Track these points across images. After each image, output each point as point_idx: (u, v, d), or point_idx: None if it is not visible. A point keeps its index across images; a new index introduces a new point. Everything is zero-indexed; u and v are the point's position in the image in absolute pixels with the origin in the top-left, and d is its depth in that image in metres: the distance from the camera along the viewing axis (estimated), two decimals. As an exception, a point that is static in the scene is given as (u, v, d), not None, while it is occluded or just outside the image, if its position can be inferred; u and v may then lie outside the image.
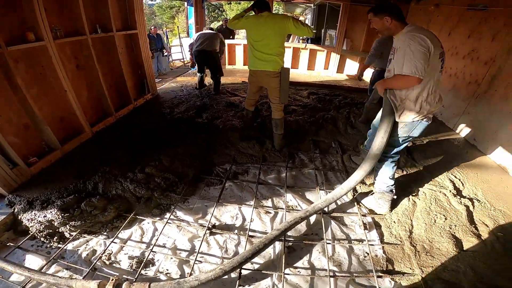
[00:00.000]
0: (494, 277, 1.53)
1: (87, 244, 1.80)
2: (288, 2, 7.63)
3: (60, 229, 1.82)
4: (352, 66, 5.90)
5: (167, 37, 9.00)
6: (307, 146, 2.94)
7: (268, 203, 2.16)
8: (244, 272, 1.59)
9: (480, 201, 2.14)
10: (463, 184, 2.36)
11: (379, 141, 1.79)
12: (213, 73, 4.32)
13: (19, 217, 1.86)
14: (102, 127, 3.10)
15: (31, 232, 1.81)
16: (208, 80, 4.78)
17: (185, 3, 6.14)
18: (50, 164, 2.41)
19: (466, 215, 1.98)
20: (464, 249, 1.72)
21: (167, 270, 1.63)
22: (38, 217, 1.81)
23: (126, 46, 3.64)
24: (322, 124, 3.28)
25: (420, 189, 2.27)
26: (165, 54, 7.68)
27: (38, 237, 1.80)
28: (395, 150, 1.92)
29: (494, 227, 1.87)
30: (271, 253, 1.75)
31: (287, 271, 1.62)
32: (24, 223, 1.84)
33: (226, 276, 1.55)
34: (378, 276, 1.57)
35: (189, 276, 1.48)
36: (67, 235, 1.83)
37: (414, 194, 2.22)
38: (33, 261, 1.65)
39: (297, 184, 2.38)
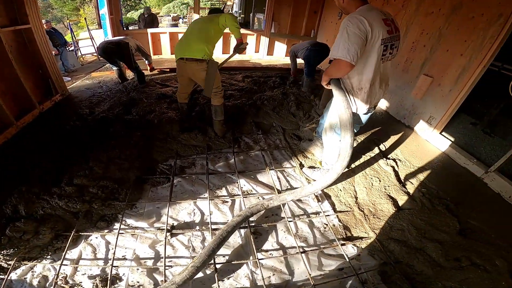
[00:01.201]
0: (433, 231, 1.70)
1: (33, 271, 1.51)
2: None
3: None
4: (281, 48, 6.09)
5: (71, 31, 7.72)
6: (249, 129, 2.95)
7: (223, 192, 2.11)
8: (218, 266, 1.55)
9: (401, 160, 2.44)
10: (385, 147, 2.67)
11: (347, 140, 1.67)
12: (129, 65, 3.95)
13: None
14: (3, 141, 2.48)
15: None
16: (130, 73, 4.30)
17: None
18: None
19: (394, 175, 2.22)
20: (401, 208, 1.92)
21: (138, 282, 1.48)
22: None
23: (17, 43, 2.94)
24: (260, 106, 3.32)
25: (355, 153, 2.47)
26: (70, 49, 6.59)
27: None
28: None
29: (417, 184, 2.15)
30: (239, 241, 1.73)
31: (259, 255, 1.62)
32: None
33: (202, 274, 1.50)
34: (342, 244, 1.70)
35: (164, 283, 1.36)
36: (4, 265, 1.51)
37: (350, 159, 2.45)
38: None
39: (248, 168, 2.37)
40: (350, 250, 1.71)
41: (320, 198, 2.08)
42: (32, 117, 2.93)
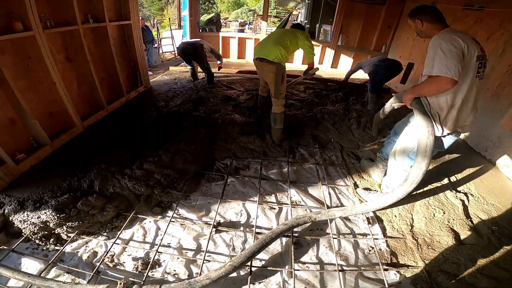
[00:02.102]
0: (493, 268, 1.57)
1: (86, 246, 1.70)
2: (281, -5, 7.54)
3: (56, 230, 1.71)
4: (346, 61, 5.90)
5: (157, 29, 8.74)
6: (306, 141, 2.92)
7: (272, 198, 2.13)
8: (253, 269, 1.57)
9: (473, 195, 2.19)
10: (457, 179, 2.41)
11: (422, 166, 1.61)
12: (201, 65, 4.29)
13: (10, 218, 1.73)
14: (93, 121, 2.96)
15: (25, 234, 1.69)
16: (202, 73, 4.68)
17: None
18: (40, 161, 2.28)
19: (462, 209, 2.02)
20: (463, 242, 1.76)
21: (175, 270, 1.57)
22: (31, 218, 1.68)
23: (119, 37, 3.48)
24: (320, 120, 3.26)
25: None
26: (155, 46, 7.46)
27: (33, 239, 1.69)
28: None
29: (488, 221, 1.93)
30: (279, 248, 1.73)
31: (296, 266, 1.60)
32: (16, 225, 1.71)
33: (235, 274, 1.53)
34: (385, 269, 1.60)
35: (198, 276, 1.43)
36: (64, 236, 1.72)
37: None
38: (30, 265, 1.54)
39: (300, 179, 2.35)
40: (391, 276, 1.59)
41: (371, 220, 1.96)
42: (119, 104, 3.43)
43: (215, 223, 1.83)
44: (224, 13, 21.37)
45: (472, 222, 1.92)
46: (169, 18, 11.32)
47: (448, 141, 1.81)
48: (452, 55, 1.36)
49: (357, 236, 1.85)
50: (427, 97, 1.62)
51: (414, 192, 2.18)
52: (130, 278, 1.49)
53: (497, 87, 2.72)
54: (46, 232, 1.70)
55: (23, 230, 1.70)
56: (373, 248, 1.75)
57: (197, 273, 1.54)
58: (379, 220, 1.99)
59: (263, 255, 1.66)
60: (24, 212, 1.73)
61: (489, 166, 2.60)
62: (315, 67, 2.85)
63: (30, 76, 2.29)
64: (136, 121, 2.99)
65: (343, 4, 5.25)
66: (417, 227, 1.91)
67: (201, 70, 4.51)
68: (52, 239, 1.69)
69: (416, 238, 1.82)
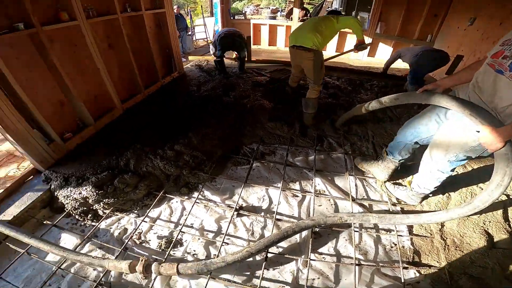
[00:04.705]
0: None
1: (119, 223, 1.84)
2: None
3: (94, 206, 1.87)
4: (385, 50, 5.53)
5: (190, 17, 8.91)
6: (335, 129, 2.80)
7: (296, 186, 2.12)
8: (269, 255, 1.60)
9: None
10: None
11: (494, 196, 1.30)
12: (242, 54, 4.27)
13: (56, 193, 1.91)
14: (132, 104, 3.16)
15: (67, 209, 1.86)
16: (227, 61, 4.66)
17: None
18: (84, 140, 2.50)
19: (502, 211, 1.84)
20: (495, 246, 1.64)
21: (194, 251, 1.65)
22: (74, 193, 1.85)
23: (154, 25, 3.62)
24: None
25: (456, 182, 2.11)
26: (189, 33, 7.64)
27: (73, 214, 1.86)
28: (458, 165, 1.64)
29: None
30: (297, 238, 1.73)
31: (312, 256, 1.60)
32: (60, 200, 1.89)
33: (251, 259, 1.57)
34: (404, 267, 1.55)
35: (216, 257, 1.49)
36: (100, 213, 1.88)
37: (449, 187, 2.06)
38: (68, 240, 1.72)
39: (326, 168, 2.30)
40: (410, 275, 1.54)
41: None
42: (155, 88, 3.61)
43: (237, 207, 1.88)
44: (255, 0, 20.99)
45: (510, 226, 1.76)
46: (201, 6, 11.43)
47: None
48: None
49: (380, 231, 1.79)
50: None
51: (452, 191, 2.03)
52: (153, 256, 1.60)
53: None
54: (85, 208, 1.87)
55: (66, 205, 1.87)
56: (395, 244, 1.69)
57: (215, 254, 1.60)
58: (408, 217, 1.89)
59: (282, 243, 1.67)
60: (67, 188, 1.90)
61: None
62: (366, 42, 2.79)
63: (76, 62, 2.49)
64: (169, 104, 3.14)
65: None
66: (448, 226, 1.80)
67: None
68: (90, 215, 1.86)
69: (445, 238, 1.73)
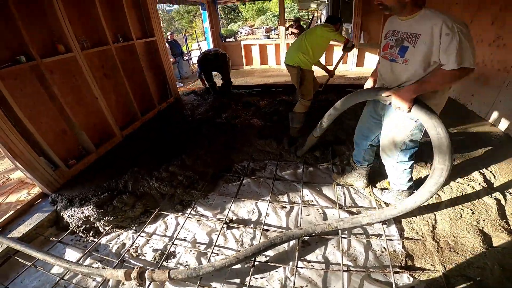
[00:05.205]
0: None
1: (118, 238, 1.97)
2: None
3: (95, 224, 2.02)
4: (372, 59, 5.73)
5: (186, 42, 9.31)
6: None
7: (284, 198, 2.21)
8: (256, 263, 1.64)
9: None
10: (495, 176, 2.18)
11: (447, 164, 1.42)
12: (224, 75, 4.39)
13: (61, 214, 2.09)
14: (130, 131, 3.34)
15: (71, 227, 2.02)
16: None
17: (199, 7, 6.34)
18: (87, 166, 2.66)
19: (496, 209, 1.84)
20: (494, 245, 1.61)
21: (186, 262, 1.74)
22: (77, 213, 2.03)
23: (147, 53, 3.86)
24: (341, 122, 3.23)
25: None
26: (185, 58, 7.95)
27: (77, 231, 2.01)
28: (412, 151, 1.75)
29: None
30: (285, 246, 1.78)
31: (300, 264, 1.63)
32: (65, 219, 2.06)
33: (240, 266, 1.63)
34: (395, 272, 1.53)
35: None
36: (101, 229, 2.03)
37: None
38: (71, 254, 1.86)
39: (314, 180, 2.39)
40: (403, 280, 1.53)
41: (387, 221, 1.90)
42: (152, 115, 3.81)
43: (227, 220, 1.98)
44: (249, 20, 21.85)
45: (508, 223, 1.74)
46: (195, 31, 11.98)
47: None
48: (473, 43, 1.24)
49: (370, 236, 1.81)
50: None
51: (440, 191, 2.07)
52: (147, 267, 1.66)
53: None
54: (88, 225, 2.02)
55: (70, 224, 2.04)
56: (386, 249, 1.68)
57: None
58: (397, 221, 1.91)
59: (269, 251, 1.72)
60: (71, 208, 2.08)
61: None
62: (349, 41, 2.97)
63: (76, 92, 2.69)
64: (166, 130, 3.31)
65: (358, 1, 5.13)
66: (440, 228, 1.80)
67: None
68: (91, 232, 2.01)
69: (438, 240, 1.71)
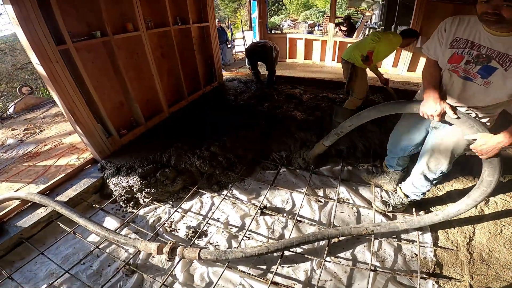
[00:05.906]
0: None
1: (155, 211, 2.09)
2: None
3: (136, 195, 2.14)
4: (425, 64, 5.36)
5: (231, 30, 9.46)
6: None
7: (320, 192, 2.22)
8: (286, 253, 1.67)
9: None
10: None
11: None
12: (269, 66, 4.41)
13: (107, 181, 2.23)
14: (177, 109, 3.54)
15: (114, 196, 2.16)
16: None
17: (246, -3, 6.43)
18: (136, 137, 2.87)
19: None
20: None
21: (217, 242, 1.81)
22: (122, 182, 2.15)
23: (199, 37, 4.02)
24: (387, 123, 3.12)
25: (491, 197, 2.05)
26: (229, 46, 8.11)
27: (119, 201, 2.15)
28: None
29: None
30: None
31: (328, 258, 1.65)
32: (110, 187, 2.19)
33: (268, 254, 1.65)
34: (422, 278, 1.53)
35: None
36: (141, 201, 2.15)
37: (484, 202, 2.03)
38: (110, 223, 1.99)
39: (352, 178, 2.37)
40: (428, 286, 1.52)
41: (423, 228, 1.85)
42: (197, 96, 3.99)
43: (261, 206, 2.03)
44: (293, 14, 21.48)
45: None
46: (241, 20, 12.06)
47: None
48: None
49: (402, 241, 1.79)
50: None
51: (484, 206, 2.00)
52: (179, 243, 1.77)
53: None
54: (129, 196, 2.16)
55: (114, 192, 2.17)
56: (416, 255, 1.68)
57: (235, 247, 1.74)
58: (434, 229, 1.86)
59: None
60: (118, 177, 2.21)
61: None
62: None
63: (136, 68, 2.90)
64: (209, 111, 3.46)
65: (421, 4, 4.78)
66: (477, 241, 1.75)
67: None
68: (132, 202, 2.14)
69: (471, 252, 1.68)
